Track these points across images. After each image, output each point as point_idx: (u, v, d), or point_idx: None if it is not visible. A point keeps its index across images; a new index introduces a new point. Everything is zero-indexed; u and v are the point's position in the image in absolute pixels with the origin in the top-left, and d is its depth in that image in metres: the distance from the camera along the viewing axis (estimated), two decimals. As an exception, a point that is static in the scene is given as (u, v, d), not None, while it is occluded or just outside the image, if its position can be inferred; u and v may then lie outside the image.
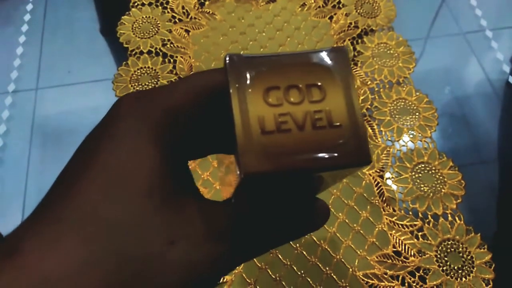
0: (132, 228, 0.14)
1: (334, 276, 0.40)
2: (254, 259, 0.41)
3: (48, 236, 0.14)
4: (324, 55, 0.16)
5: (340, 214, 0.44)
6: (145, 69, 0.53)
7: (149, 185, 0.15)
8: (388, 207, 0.44)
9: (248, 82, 0.15)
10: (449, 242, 0.42)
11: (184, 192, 0.17)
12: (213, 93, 0.17)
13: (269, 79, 0.15)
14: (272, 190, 0.18)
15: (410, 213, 0.43)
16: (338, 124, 0.15)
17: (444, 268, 0.40)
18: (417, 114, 0.50)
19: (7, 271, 0.13)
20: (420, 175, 0.45)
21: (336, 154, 0.15)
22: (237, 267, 0.41)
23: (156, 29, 0.57)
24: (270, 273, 0.41)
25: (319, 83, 0.16)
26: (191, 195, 0.17)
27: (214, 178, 0.46)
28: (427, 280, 0.40)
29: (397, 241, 0.42)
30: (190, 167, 0.20)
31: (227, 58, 0.16)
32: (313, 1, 0.59)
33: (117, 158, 0.15)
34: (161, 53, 0.55)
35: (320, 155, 0.15)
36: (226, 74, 0.15)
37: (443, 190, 0.44)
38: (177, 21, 0.57)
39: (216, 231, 0.16)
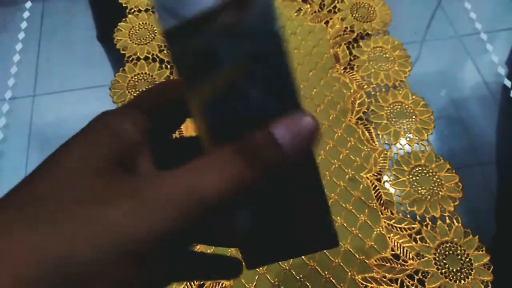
0: (66, 193, 0.14)
1: (333, 280, 0.40)
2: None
3: None
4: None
5: (338, 218, 0.44)
6: (142, 75, 0.54)
7: (95, 167, 0.15)
8: (386, 210, 0.44)
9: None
10: (448, 245, 0.42)
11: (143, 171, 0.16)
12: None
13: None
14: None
15: (408, 216, 0.44)
16: None
17: (443, 270, 0.40)
18: (413, 117, 0.50)
19: None
20: (417, 178, 0.46)
21: None
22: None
23: (153, 35, 0.57)
24: (269, 278, 0.41)
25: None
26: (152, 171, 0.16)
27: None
28: (426, 283, 0.40)
29: (396, 244, 0.42)
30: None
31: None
32: (309, 6, 0.59)
33: (71, 157, 0.15)
34: (158, 59, 0.55)
35: None
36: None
37: (440, 193, 0.45)
38: (174, 27, 0.58)
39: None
